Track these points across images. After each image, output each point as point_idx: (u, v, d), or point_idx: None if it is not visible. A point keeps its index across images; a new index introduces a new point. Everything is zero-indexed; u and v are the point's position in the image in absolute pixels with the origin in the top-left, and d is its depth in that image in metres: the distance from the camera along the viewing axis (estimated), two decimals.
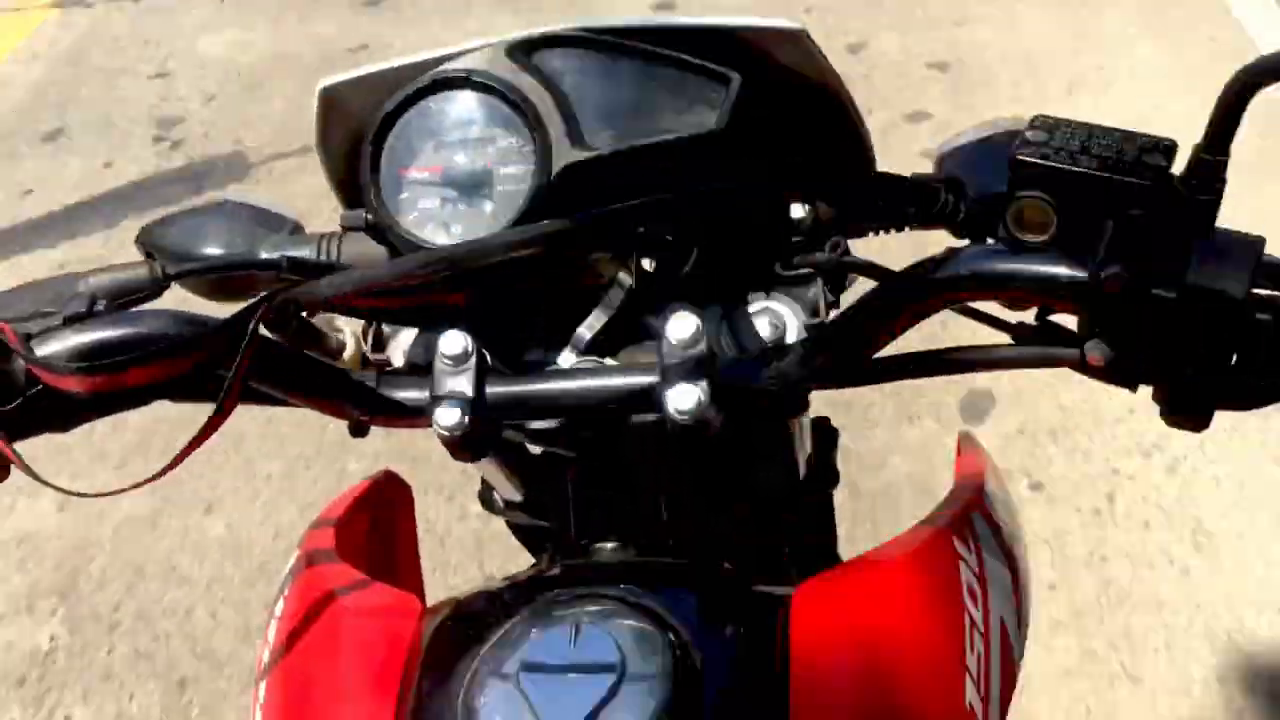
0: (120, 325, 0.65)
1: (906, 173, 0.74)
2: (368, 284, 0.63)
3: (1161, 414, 0.59)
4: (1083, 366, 0.61)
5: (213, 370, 0.62)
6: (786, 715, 0.60)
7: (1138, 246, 0.57)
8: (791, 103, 0.76)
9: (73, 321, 0.65)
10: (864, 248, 0.82)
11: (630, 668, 0.60)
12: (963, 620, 0.68)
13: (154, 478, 0.62)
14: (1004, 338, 0.68)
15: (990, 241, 0.65)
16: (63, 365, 0.60)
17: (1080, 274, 0.57)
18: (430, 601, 0.75)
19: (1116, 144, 0.60)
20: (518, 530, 1.08)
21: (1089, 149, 0.60)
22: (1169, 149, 0.60)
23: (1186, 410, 0.58)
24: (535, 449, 0.92)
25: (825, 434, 1.02)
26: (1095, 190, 0.59)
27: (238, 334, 0.61)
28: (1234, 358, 0.57)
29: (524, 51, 0.76)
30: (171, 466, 0.62)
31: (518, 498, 0.99)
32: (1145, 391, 0.61)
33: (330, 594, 0.74)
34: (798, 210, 0.80)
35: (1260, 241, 0.56)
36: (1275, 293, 0.55)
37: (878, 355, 0.68)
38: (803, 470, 0.99)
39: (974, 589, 0.70)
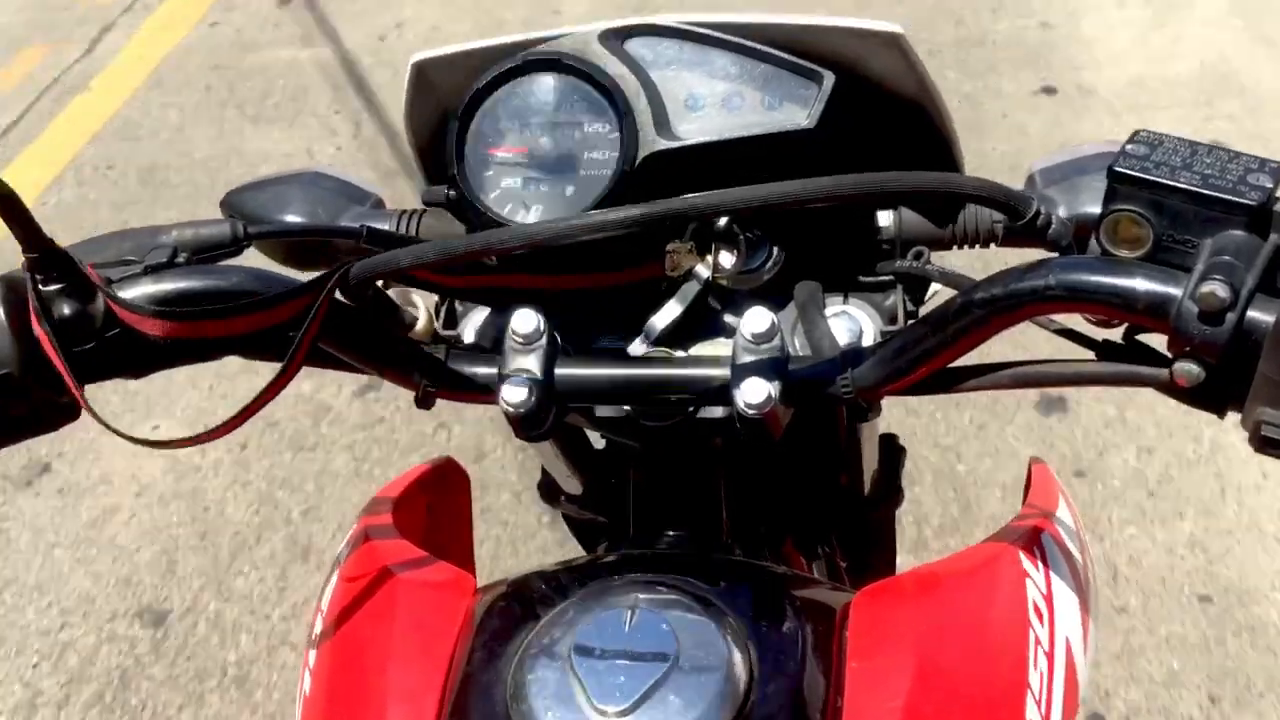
0: (200, 277, 0.66)
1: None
2: (448, 256, 0.63)
3: (1250, 441, 0.57)
4: (1170, 388, 0.59)
5: (287, 330, 0.63)
6: (840, 717, 0.59)
7: (1236, 267, 0.55)
8: (884, 105, 0.75)
9: (154, 270, 0.66)
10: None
11: (684, 657, 0.59)
12: (1027, 637, 0.66)
13: (218, 432, 0.63)
14: (1084, 353, 0.66)
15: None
16: (146, 308, 0.61)
17: (1174, 290, 0.55)
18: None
19: (1220, 162, 0.58)
20: (574, 525, 1.08)
21: (1191, 165, 0.58)
22: (1276, 170, 0.58)
23: (1278, 439, 0.56)
24: (598, 441, 0.92)
25: (893, 450, 1.00)
26: (1195, 207, 0.57)
27: (317, 296, 0.62)
28: None
29: (618, 38, 0.76)
30: (237, 422, 0.63)
31: (578, 491, 0.98)
32: None
33: (386, 567, 0.74)
34: (883, 217, 0.79)
35: None
36: None
37: (955, 365, 0.66)
38: (868, 485, 0.97)
39: (1040, 608, 0.68)
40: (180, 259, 0.68)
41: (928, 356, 0.64)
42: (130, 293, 0.64)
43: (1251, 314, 0.54)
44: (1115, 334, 0.65)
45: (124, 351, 0.64)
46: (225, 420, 0.62)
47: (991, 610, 0.68)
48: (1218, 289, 0.54)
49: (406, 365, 0.71)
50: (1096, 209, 0.63)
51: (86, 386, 0.63)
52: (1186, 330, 0.55)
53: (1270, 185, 0.57)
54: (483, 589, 0.72)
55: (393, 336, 0.71)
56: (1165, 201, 0.58)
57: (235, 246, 0.72)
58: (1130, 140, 0.61)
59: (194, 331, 0.61)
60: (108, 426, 0.60)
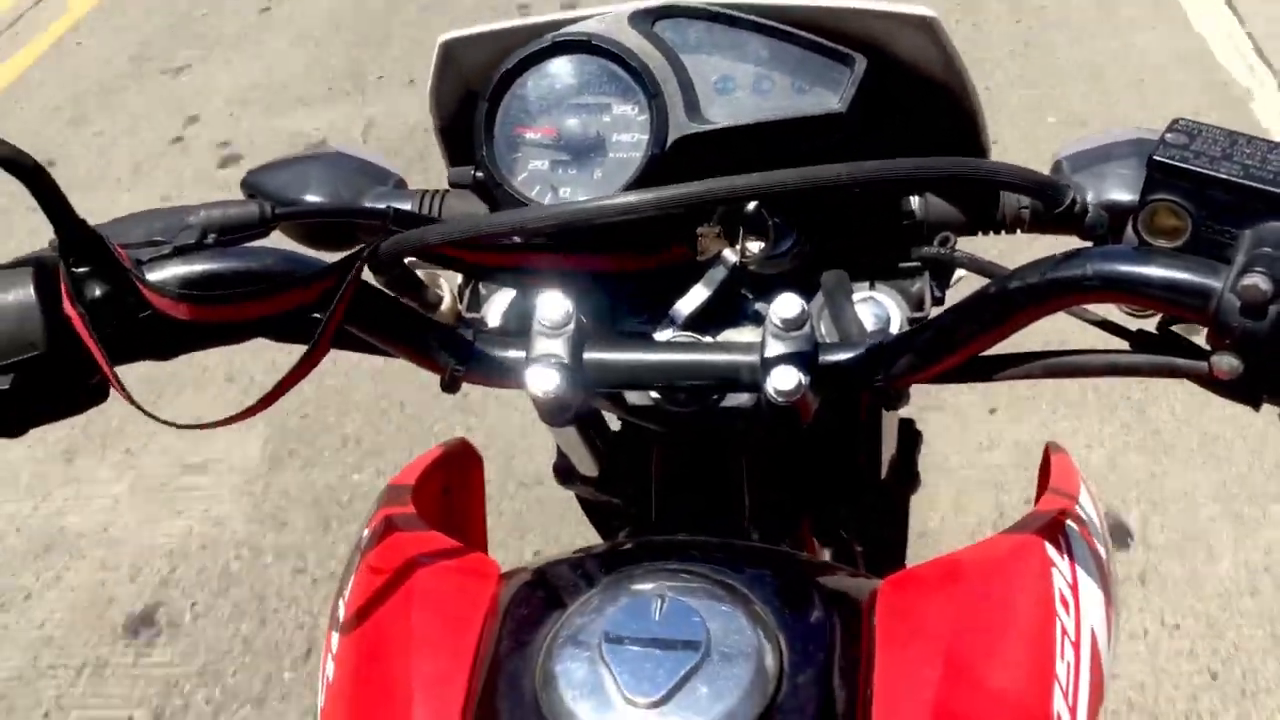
0: (228, 259, 0.66)
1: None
2: (478, 233, 0.63)
3: None
4: (1208, 380, 0.58)
5: (315, 311, 0.62)
6: (870, 707, 0.59)
7: (1277, 259, 0.54)
8: (914, 88, 0.75)
9: (183, 252, 0.66)
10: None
11: (714, 647, 0.58)
12: (1054, 627, 0.66)
13: (247, 413, 0.62)
14: (1118, 343, 0.66)
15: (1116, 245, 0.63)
16: (175, 291, 0.60)
17: (1215, 282, 0.55)
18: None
19: (1261, 153, 0.58)
20: (589, 507, 1.07)
21: (1231, 155, 0.58)
22: None
23: None
24: (615, 422, 0.91)
25: (910, 435, 1.00)
26: (1235, 198, 0.57)
27: (344, 277, 0.61)
28: None
29: (647, 20, 0.75)
30: (265, 404, 0.62)
31: (594, 473, 0.98)
32: None
33: (409, 553, 0.74)
34: (912, 202, 0.79)
35: None
36: None
37: (986, 353, 0.66)
38: (884, 470, 0.97)
39: (1066, 597, 0.68)
40: (209, 240, 0.68)
41: (961, 345, 0.64)
42: (160, 274, 0.64)
43: None
44: (1149, 324, 0.65)
45: (153, 333, 0.64)
46: (252, 404, 0.62)
47: (1018, 600, 0.68)
48: (1260, 281, 0.53)
49: (435, 347, 0.70)
50: (1126, 196, 0.62)
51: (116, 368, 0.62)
52: (1228, 323, 0.55)
53: None
54: (506, 575, 0.72)
55: (419, 318, 0.71)
56: (1205, 192, 0.57)
57: (263, 227, 0.71)
58: (1169, 129, 0.60)
59: (223, 315, 0.61)
60: (141, 409, 0.60)
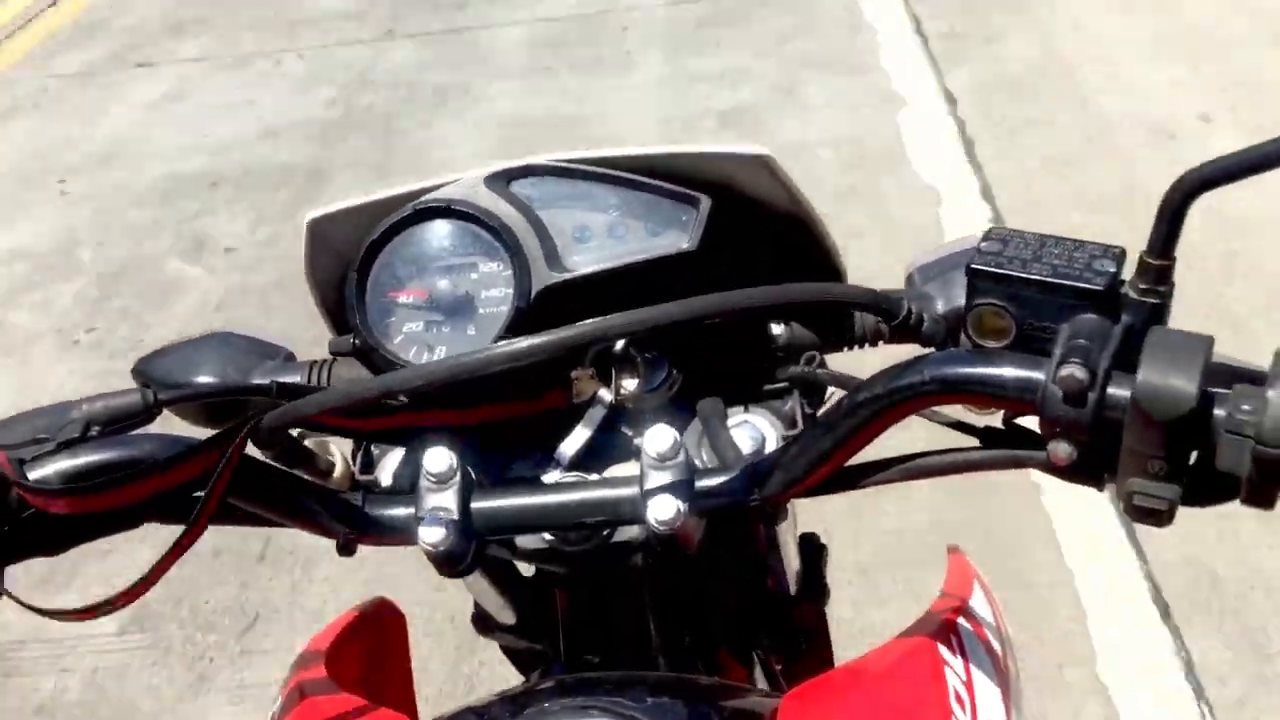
0: (111, 449, 0.67)
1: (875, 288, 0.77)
2: (352, 399, 0.65)
3: (1125, 510, 0.60)
4: (1049, 467, 0.62)
5: (200, 489, 0.64)
6: None
7: (1091, 349, 0.58)
8: (762, 221, 0.79)
9: (66, 446, 0.67)
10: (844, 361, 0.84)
11: None
12: None
13: (127, 596, 0.63)
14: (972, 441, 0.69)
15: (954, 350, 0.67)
16: (48, 487, 0.61)
17: (1038, 375, 0.59)
18: None
19: (1067, 251, 0.62)
20: (510, 654, 1.08)
21: (1041, 257, 0.62)
22: (1118, 255, 0.62)
23: (1150, 508, 0.59)
24: (527, 569, 0.93)
25: (814, 549, 1.02)
26: (1049, 295, 0.61)
27: (224, 451, 0.63)
28: (1193, 455, 0.58)
29: (502, 181, 0.79)
30: (146, 585, 0.63)
31: (510, 620, 0.99)
32: None
33: (322, 717, 0.74)
34: (775, 327, 0.83)
35: (1208, 340, 0.58)
36: (1224, 390, 0.56)
37: (851, 463, 0.69)
38: (792, 585, 0.99)
39: (961, 695, 0.70)
40: (93, 432, 0.69)
41: (824, 458, 0.67)
42: (43, 470, 0.65)
43: (1111, 391, 0.57)
44: (996, 420, 0.68)
45: (41, 531, 0.65)
46: (127, 587, 0.62)
47: (914, 702, 0.69)
48: (1076, 371, 0.57)
49: (324, 514, 0.71)
50: (960, 303, 0.66)
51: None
52: (1053, 413, 0.58)
53: (1113, 270, 0.61)
54: None
55: (308, 485, 0.72)
56: (1021, 293, 0.62)
57: (147, 414, 0.73)
58: (984, 238, 0.65)
59: (105, 502, 0.61)
60: (27, 606, 0.60)
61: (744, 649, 0.99)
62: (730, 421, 0.79)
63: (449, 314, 0.77)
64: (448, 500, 0.70)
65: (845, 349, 0.83)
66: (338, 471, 0.83)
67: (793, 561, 0.97)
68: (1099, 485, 0.62)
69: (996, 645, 0.79)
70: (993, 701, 0.73)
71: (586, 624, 0.84)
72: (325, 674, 0.81)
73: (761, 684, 1.00)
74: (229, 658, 2.29)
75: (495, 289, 0.77)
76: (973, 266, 0.63)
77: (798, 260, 0.82)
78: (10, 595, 0.60)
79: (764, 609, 0.97)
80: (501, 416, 0.78)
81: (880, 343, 0.83)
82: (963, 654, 0.74)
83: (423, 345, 0.77)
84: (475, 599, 1.00)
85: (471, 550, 0.71)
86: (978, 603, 0.82)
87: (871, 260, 2.79)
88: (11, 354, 3.36)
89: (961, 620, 0.78)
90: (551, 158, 0.79)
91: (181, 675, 2.27)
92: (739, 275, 0.75)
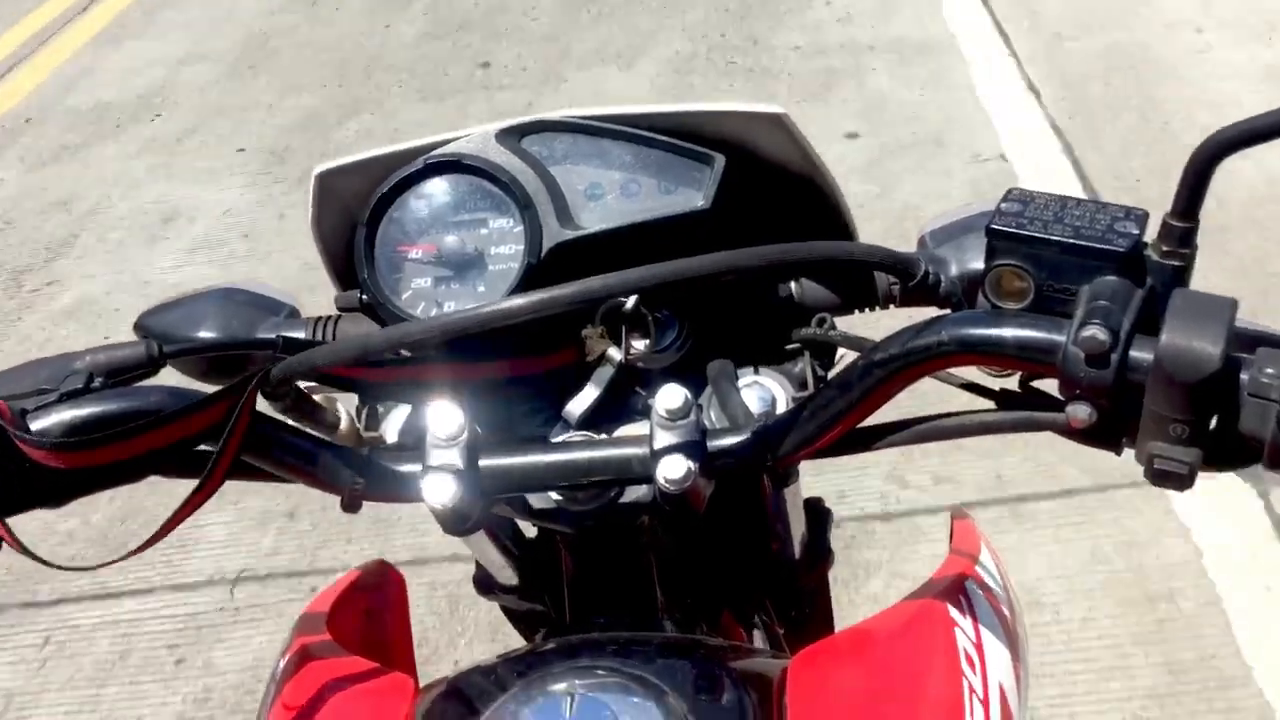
0: (115, 400, 0.66)
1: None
2: (362, 351, 0.64)
3: (1145, 474, 0.59)
4: (1067, 430, 0.61)
5: (204, 443, 0.63)
6: None
7: (1113, 311, 0.58)
8: (774, 180, 0.78)
9: (69, 398, 0.66)
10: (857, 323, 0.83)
11: None
12: (960, 686, 0.67)
13: (138, 550, 0.62)
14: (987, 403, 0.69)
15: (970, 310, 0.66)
16: (47, 441, 0.60)
17: (1058, 337, 0.58)
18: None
19: (1089, 213, 0.62)
20: (512, 615, 1.08)
21: (1062, 218, 0.62)
22: (1141, 217, 0.61)
23: (1170, 471, 0.59)
24: (530, 529, 0.92)
25: (818, 514, 1.02)
26: (1070, 257, 0.60)
27: (230, 406, 0.62)
28: (1214, 419, 0.58)
29: (514, 136, 0.78)
30: (155, 539, 0.62)
31: (513, 581, 0.99)
32: None
33: (324, 679, 0.74)
34: (786, 287, 0.82)
35: (1232, 303, 0.57)
36: (1248, 354, 0.56)
37: (864, 424, 0.68)
38: (797, 549, 0.99)
39: (971, 656, 0.70)
40: (96, 383, 0.68)
41: (837, 419, 0.66)
42: (46, 421, 0.64)
43: (1133, 354, 0.57)
44: (1012, 382, 0.68)
45: (42, 481, 0.64)
46: (143, 541, 0.62)
47: (924, 664, 0.69)
48: (1098, 333, 0.56)
49: (330, 469, 0.71)
50: (978, 264, 0.66)
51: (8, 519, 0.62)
52: (1074, 374, 0.57)
53: (1136, 232, 0.60)
54: (423, 689, 0.72)
55: (315, 440, 0.72)
56: (1042, 254, 0.61)
57: (151, 366, 0.72)
58: (1004, 199, 0.64)
59: (108, 455, 0.60)
60: (34, 557, 0.60)
61: (746, 612, 0.99)
62: (740, 383, 0.79)
63: (458, 270, 0.76)
64: (454, 457, 0.69)
65: (856, 311, 0.83)
66: (343, 427, 0.82)
67: (798, 525, 0.97)
68: (1117, 449, 0.62)
69: (1005, 607, 0.79)
70: (1002, 662, 0.73)
71: (591, 585, 0.83)
72: (325, 633, 0.81)
73: (762, 646, 1.00)
74: None
75: (505, 245, 0.76)
76: (993, 227, 0.62)
77: (809, 220, 0.81)
78: (20, 548, 0.60)
79: (768, 572, 0.97)
80: (509, 374, 0.78)
81: (891, 305, 0.82)
82: (972, 615, 0.74)
83: (431, 301, 0.76)
84: (477, 559, 0.99)
85: (479, 509, 0.71)
86: (985, 565, 0.82)
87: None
88: None
89: (970, 582, 0.78)
90: (564, 114, 0.78)
91: None
92: (751, 234, 0.74)
